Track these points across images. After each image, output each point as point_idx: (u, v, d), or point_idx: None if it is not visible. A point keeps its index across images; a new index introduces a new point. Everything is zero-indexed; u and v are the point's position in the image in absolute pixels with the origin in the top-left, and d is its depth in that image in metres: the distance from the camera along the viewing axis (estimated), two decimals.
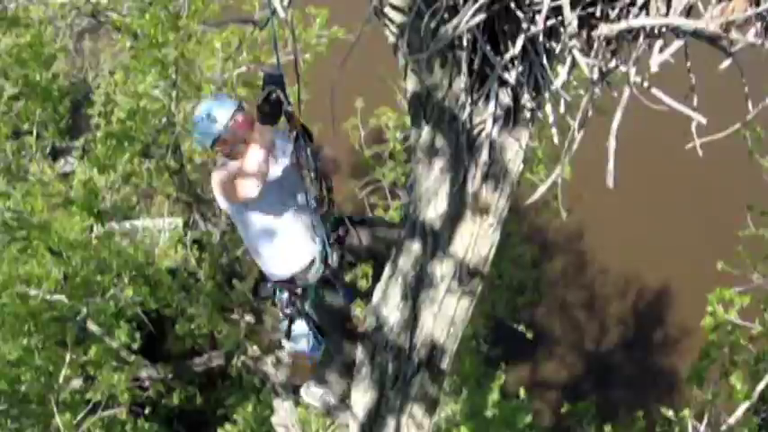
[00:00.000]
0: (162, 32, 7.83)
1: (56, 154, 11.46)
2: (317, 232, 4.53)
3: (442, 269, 3.84)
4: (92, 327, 8.72)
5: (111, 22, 9.48)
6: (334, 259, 4.59)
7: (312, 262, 4.56)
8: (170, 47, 8.06)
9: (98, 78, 10.87)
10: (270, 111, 3.99)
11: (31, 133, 9.96)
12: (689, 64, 3.25)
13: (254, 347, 9.75)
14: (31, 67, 9.33)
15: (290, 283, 4.64)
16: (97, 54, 11.93)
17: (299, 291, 4.66)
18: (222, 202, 4.55)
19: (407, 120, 8.38)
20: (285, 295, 4.73)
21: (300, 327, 4.89)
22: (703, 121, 3.04)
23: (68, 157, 11.55)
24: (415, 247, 3.89)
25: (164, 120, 8.74)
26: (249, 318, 9.82)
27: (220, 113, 4.46)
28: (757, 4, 3.00)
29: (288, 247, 4.53)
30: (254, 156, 4.13)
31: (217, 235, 10.19)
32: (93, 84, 11.00)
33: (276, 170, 4.46)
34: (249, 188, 4.17)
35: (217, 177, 4.46)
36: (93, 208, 8.82)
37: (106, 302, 8.36)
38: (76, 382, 8.83)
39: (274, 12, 3.58)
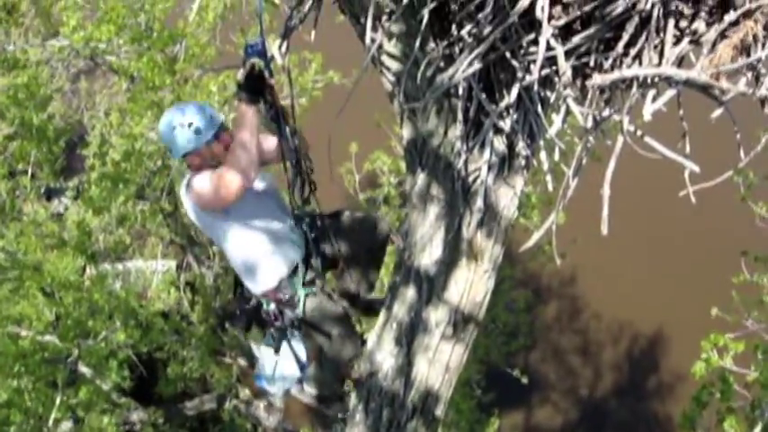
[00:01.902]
0: (158, 75, 7.88)
1: (50, 194, 11.45)
2: (296, 237, 4.33)
3: (436, 315, 3.84)
4: (83, 368, 8.65)
5: (108, 64, 9.56)
6: (317, 261, 4.36)
7: (296, 268, 4.34)
8: (166, 90, 8.11)
9: (93, 119, 10.88)
10: (253, 86, 3.65)
11: (25, 173, 9.97)
12: (681, 112, 3.29)
13: (246, 391, 9.68)
14: (26, 108, 9.35)
15: (276, 292, 4.35)
16: (93, 95, 11.95)
17: (285, 297, 4.35)
18: (200, 215, 4.14)
19: (402, 164, 8.43)
20: (273, 306, 4.39)
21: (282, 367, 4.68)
22: (696, 169, 3.06)
23: (62, 198, 11.54)
24: (410, 293, 3.90)
25: (159, 162, 8.77)
26: (241, 361, 9.77)
27: (206, 127, 4.06)
28: (747, 55, 3.04)
29: (271, 256, 4.25)
30: (241, 148, 3.77)
31: (210, 278, 10.18)
32: (89, 125, 11.01)
33: (258, 181, 4.16)
34: (235, 183, 3.81)
35: (204, 183, 4.00)
36: (87, 249, 8.80)
37: (98, 344, 8.31)
38: (66, 425, 8.74)
39: (272, 58, 3.62)
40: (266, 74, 3.66)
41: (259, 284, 4.35)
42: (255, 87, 3.67)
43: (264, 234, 4.23)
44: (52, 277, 8.01)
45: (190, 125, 4.02)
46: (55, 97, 10.75)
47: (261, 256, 4.25)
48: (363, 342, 4.41)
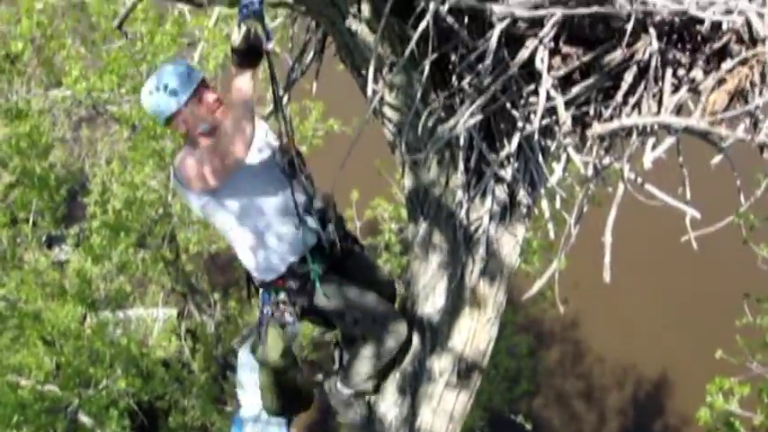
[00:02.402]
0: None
1: (51, 242, 11.46)
2: (309, 218, 3.84)
3: (440, 364, 3.83)
4: (83, 418, 8.60)
5: (110, 112, 9.63)
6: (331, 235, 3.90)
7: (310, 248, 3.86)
8: (167, 138, 8.16)
9: (95, 167, 10.95)
10: (247, 50, 3.26)
11: (27, 221, 9.98)
12: (681, 159, 3.31)
13: None
14: (28, 157, 9.37)
15: (286, 279, 3.88)
16: (95, 143, 12.00)
17: (296, 286, 3.88)
18: (198, 193, 3.70)
19: (403, 211, 8.44)
20: (282, 296, 3.92)
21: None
22: (697, 215, 3.08)
23: (63, 245, 11.56)
24: (414, 342, 3.89)
25: (160, 210, 8.80)
26: None
27: (180, 87, 3.65)
28: (746, 101, 3.07)
29: (280, 235, 3.81)
30: (238, 113, 3.40)
31: (211, 326, 10.17)
32: (90, 172, 11.07)
33: (256, 152, 3.74)
34: (237, 148, 3.43)
35: (191, 159, 3.64)
36: (87, 297, 8.79)
37: (98, 393, 8.27)
38: None
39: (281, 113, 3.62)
40: (263, 38, 3.30)
41: (268, 271, 3.89)
42: (252, 52, 3.30)
43: (269, 211, 3.79)
44: (52, 326, 8.00)
45: (165, 87, 3.64)
46: (56, 146, 10.80)
47: (268, 237, 3.82)
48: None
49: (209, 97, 3.71)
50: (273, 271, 3.88)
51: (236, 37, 3.23)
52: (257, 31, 3.22)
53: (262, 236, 3.81)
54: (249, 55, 3.28)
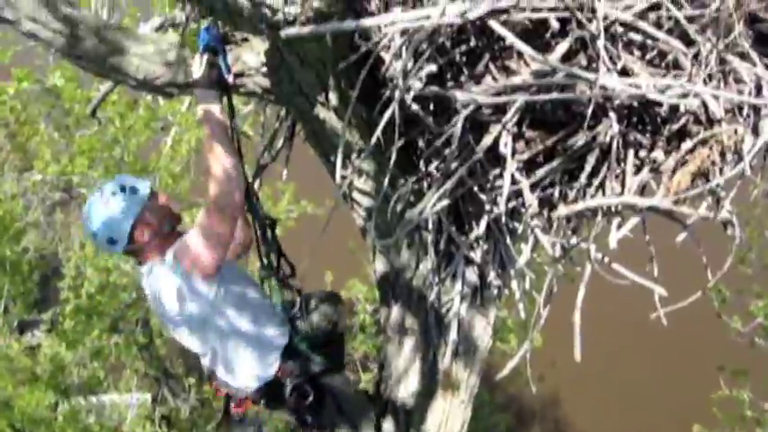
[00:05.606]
0: None
1: (23, 327, 11.31)
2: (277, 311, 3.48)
3: None
4: None
5: (83, 196, 9.62)
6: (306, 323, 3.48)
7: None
8: None
9: (68, 251, 10.86)
10: (210, 80, 3.10)
11: None
12: (647, 237, 3.36)
13: None
14: (0, 242, 9.31)
15: (291, 365, 3.47)
16: (68, 227, 11.95)
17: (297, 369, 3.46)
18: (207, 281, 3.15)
19: (377, 292, 8.43)
20: (289, 383, 3.46)
21: None
22: (664, 293, 3.11)
23: (35, 330, 11.40)
24: (387, 426, 3.86)
25: (133, 294, 8.73)
26: None
27: (139, 183, 3.28)
28: (707, 180, 3.14)
29: (272, 321, 3.43)
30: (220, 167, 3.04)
31: (186, 411, 10.00)
32: (64, 256, 10.98)
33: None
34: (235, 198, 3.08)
35: (184, 247, 3.12)
36: (60, 383, 8.65)
37: None
38: None
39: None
40: (223, 66, 3.15)
41: (271, 365, 3.47)
42: (213, 80, 3.12)
43: (256, 300, 3.44)
44: (23, 413, 7.83)
45: (122, 188, 3.24)
46: (29, 230, 10.73)
47: (263, 325, 3.42)
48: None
49: (161, 201, 3.34)
50: (275, 363, 3.48)
51: (197, 69, 3.13)
52: (218, 64, 3.14)
53: (256, 327, 3.40)
54: (215, 86, 3.14)
